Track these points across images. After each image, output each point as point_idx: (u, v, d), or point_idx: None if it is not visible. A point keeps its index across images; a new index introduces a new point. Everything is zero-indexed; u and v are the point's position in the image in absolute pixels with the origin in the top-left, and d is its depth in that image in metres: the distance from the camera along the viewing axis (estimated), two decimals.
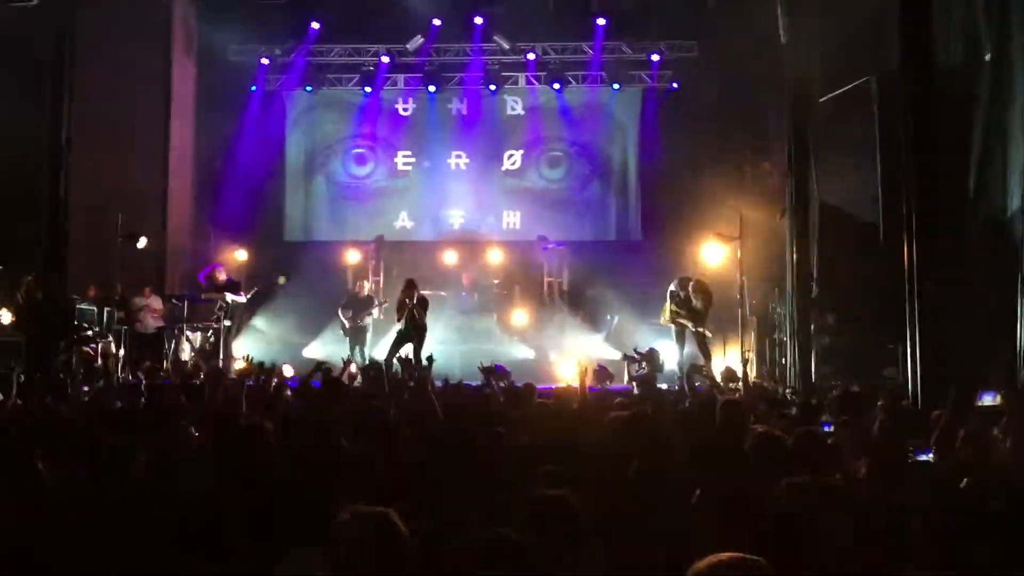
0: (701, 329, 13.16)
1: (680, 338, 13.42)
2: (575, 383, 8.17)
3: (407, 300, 13.29)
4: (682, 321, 13.28)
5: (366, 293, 15.17)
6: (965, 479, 4.47)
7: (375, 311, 14.94)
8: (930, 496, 4.37)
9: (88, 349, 12.95)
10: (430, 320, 14.69)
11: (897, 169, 10.56)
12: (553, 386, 10.78)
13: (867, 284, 11.87)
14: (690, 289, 13.22)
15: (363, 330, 14.86)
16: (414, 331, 13.25)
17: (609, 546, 3.33)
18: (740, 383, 10.19)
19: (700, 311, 13.22)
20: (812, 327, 12.05)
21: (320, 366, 8.23)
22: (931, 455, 5.45)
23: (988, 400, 7.81)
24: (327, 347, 15.08)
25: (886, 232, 11.83)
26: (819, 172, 12.65)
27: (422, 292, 13.58)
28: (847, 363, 11.66)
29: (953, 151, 10.73)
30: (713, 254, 14.42)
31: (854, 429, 6.18)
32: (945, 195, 10.43)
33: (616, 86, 17.26)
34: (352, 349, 14.36)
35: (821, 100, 12.78)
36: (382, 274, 16.33)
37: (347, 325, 14.77)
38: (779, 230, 13.20)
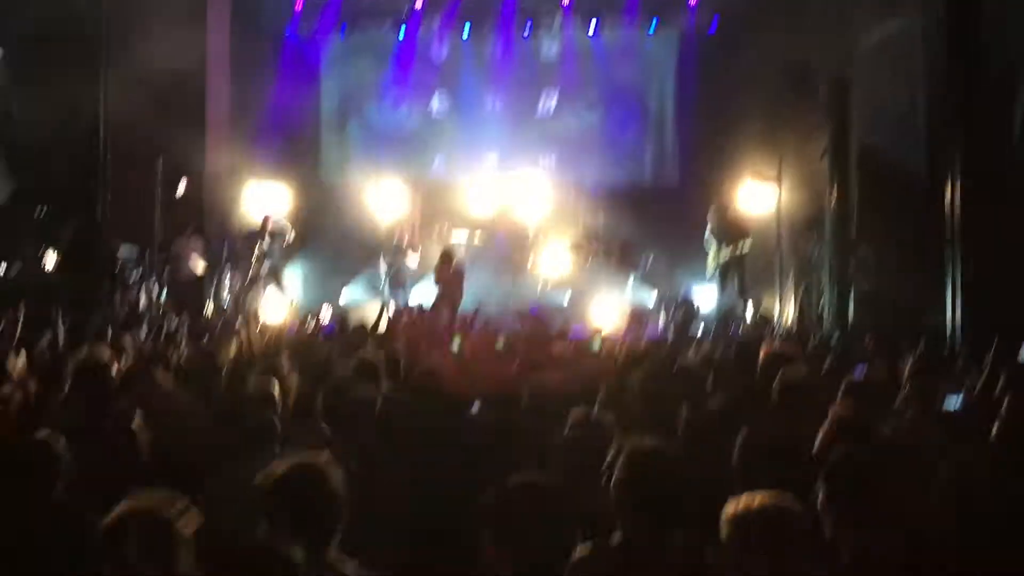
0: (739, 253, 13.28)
1: (722, 283, 13.43)
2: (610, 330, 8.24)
3: (446, 272, 13.42)
4: (723, 260, 13.34)
5: (404, 240, 15.11)
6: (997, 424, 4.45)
7: (411, 257, 14.85)
8: (955, 441, 4.36)
9: (132, 294, 13.19)
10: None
11: (944, 110, 10.37)
12: (587, 330, 10.84)
13: (909, 227, 11.72)
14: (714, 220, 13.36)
15: (401, 276, 14.80)
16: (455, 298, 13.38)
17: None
18: (774, 328, 10.17)
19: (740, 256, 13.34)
20: (851, 271, 11.96)
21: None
22: (959, 401, 5.40)
23: None
24: (364, 290, 15.27)
25: (931, 174, 11.64)
26: (861, 113, 12.43)
27: (455, 250, 13.63)
28: (886, 308, 11.55)
29: (1000, 91, 10.50)
30: (751, 196, 14.32)
31: (890, 374, 6.18)
32: (992, 136, 10.26)
33: (654, 22, 16.98)
34: (394, 295, 14.38)
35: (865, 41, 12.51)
36: (419, 218, 16.36)
37: (385, 270, 14.74)
38: (819, 173, 13.02)
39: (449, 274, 13.45)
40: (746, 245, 13.69)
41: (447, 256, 13.75)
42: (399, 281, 14.85)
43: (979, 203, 9.91)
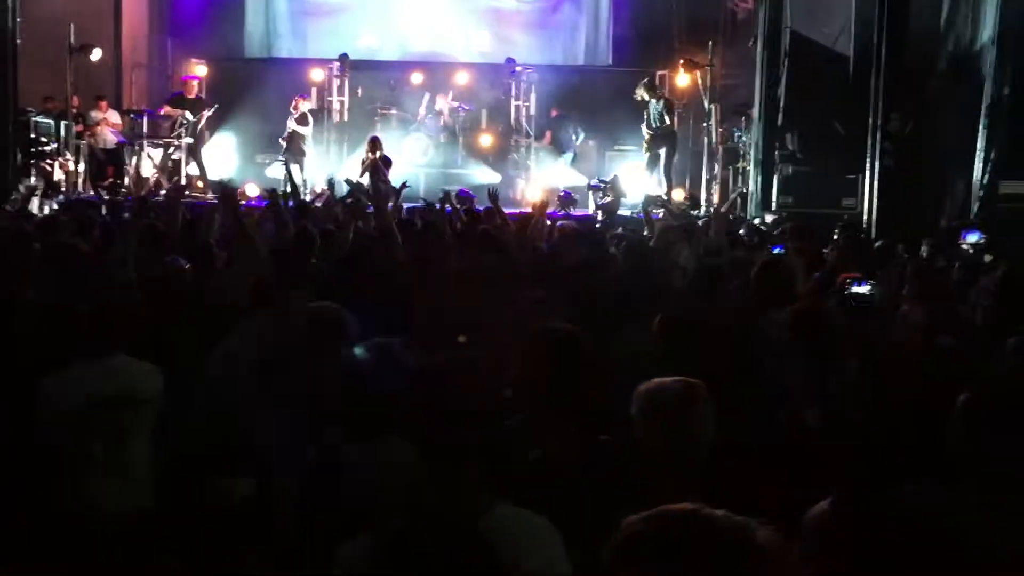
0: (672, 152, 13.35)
1: (652, 165, 13.47)
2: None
3: (369, 156, 13.15)
4: (656, 148, 13.36)
5: (301, 111, 14.32)
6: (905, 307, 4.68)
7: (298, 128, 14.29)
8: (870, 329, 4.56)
9: (46, 164, 12.76)
10: (395, 142, 14.60)
11: (871, 1, 10.44)
12: (517, 211, 10.87)
13: (834, 115, 11.91)
14: (662, 105, 13.27)
15: (301, 150, 14.24)
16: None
17: None
18: (698, 210, 10.32)
19: (672, 131, 13.37)
20: (776, 156, 12.17)
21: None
22: (867, 287, 5.61)
23: (972, 239, 7.87)
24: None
25: (855, 63, 11.78)
26: (793, 1, 12.44)
27: (382, 151, 13.35)
28: (808, 193, 11.84)
29: None
30: (682, 80, 14.34)
31: (805, 257, 6.38)
32: (916, 28, 10.39)
33: None
34: (289, 168, 13.94)
35: None
36: (347, 95, 15.97)
37: (282, 144, 14.19)
38: (750, 58, 13.07)
39: (377, 159, 13.22)
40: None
41: (375, 142, 13.47)
42: (295, 150, 14.27)
43: (901, 93, 10.10)
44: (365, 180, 12.82)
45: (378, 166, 13.08)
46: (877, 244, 7.04)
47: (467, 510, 2.26)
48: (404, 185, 8.48)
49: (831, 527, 1.78)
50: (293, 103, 14.23)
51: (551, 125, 15.44)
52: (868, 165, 10.20)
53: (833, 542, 1.77)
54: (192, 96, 14.21)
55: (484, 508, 2.28)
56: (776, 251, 6.75)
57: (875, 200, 10.06)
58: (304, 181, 13.66)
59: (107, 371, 3.64)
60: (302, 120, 14.24)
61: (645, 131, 13.51)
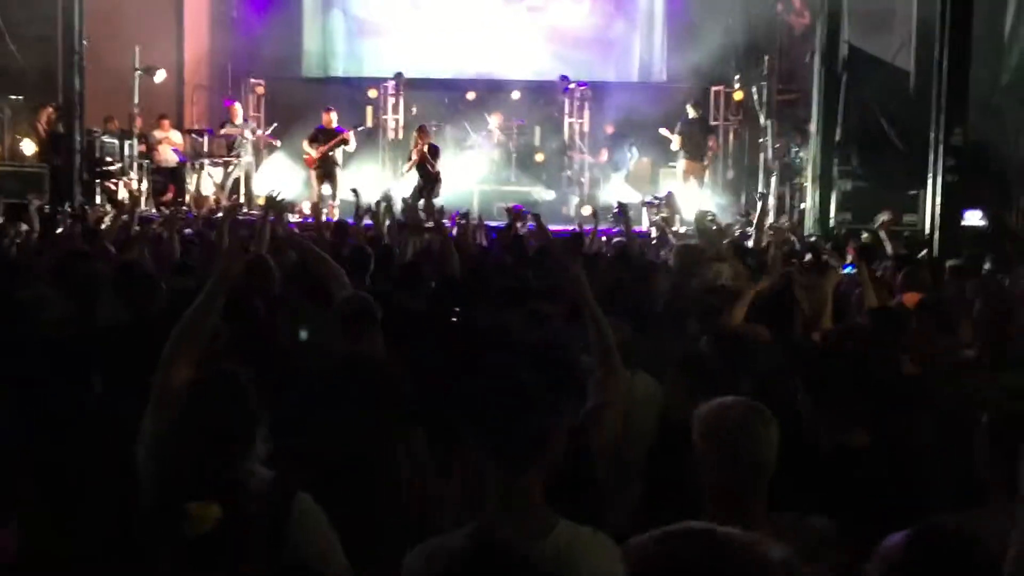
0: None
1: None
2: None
3: (417, 145, 13.24)
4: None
5: (334, 124, 14.14)
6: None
7: (351, 139, 14.16)
8: None
9: (111, 183, 13.09)
10: (450, 159, 14.69)
11: (932, 14, 10.26)
12: (570, 228, 10.85)
13: (894, 130, 11.71)
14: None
15: (332, 163, 14.06)
16: (427, 182, 13.25)
17: None
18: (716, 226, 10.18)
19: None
20: (835, 172, 11.99)
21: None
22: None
23: None
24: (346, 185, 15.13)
25: (916, 77, 11.58)
26: (852, 14, 12.27)
27: (431, 140, 13.43)
28: (868, 209, 11.62)
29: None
30: (737, 95, 14.27)
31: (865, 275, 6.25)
32: (979, 39, 10.19)
33: None
34: (320, 184, 13.85)
35: None
36: (402, 112, 16.14)
37: (314, 156, 13.96)
38: (807, 73, 12.93)
39: (424, 150, 13.24)
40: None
41: (422, 131, 13.50)
42: (330, 171, 14.16)
43: (964, 107, 9.90)
44: (412, 177, 12.96)
45: (425, 156, 13.19)
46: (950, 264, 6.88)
47: (531, 528, 2.23)
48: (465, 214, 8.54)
49: (909, 560, 1.73)
50: (325, 119, 14.17)
51: (607, 142, 15.41)
52: (930, 180, 10.00)
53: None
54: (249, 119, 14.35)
55: (548, 526, 2.25)
56: (847, 270, 6.66)
57: (938, 216, 9.86)
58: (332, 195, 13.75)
59: None
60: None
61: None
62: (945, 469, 3.04)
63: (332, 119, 14.00)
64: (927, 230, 10.02)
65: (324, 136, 13.87)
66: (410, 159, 13.55)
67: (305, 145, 13.97)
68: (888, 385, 3.51)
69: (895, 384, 3.68)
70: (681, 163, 14.07)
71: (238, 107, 14.53)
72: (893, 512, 2.15)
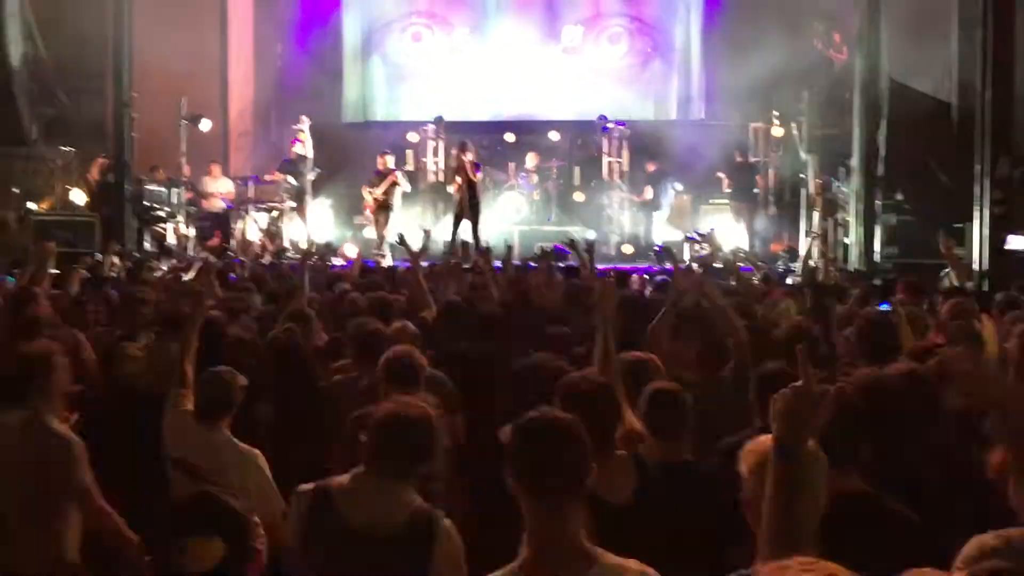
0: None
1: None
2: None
3: (458, 160, 13.37)
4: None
5: (390, 166, 14.34)
6: None
7: (400, 181, 14.29)
8: None
9: (160, 228, 13.36)
10: (490, 200, 14.80)
11: (972, 45, 10.20)
12: (611, 267, 10.85)
13: (937, 163, 11.59)
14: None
15: (387, 206, 14.17)
16: (470, 208, 13.29)
17: None
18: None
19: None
20: (878, 206, 11.87)
21: None
22: None
23: None
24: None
25: (959, 110, 11.48)
26: (891, 47, 12.22)
27: (471, 155, 13.52)
28: (914, 243, 11.47)
29: None
30: (777, 131, 14.27)
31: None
32: (1021, 69, 10.10)
33: None
34: (381, 227, 13.97)
35: None
36: (442, 155, 16.30)
37: (369, 202, 14.12)
38: (846, 108, 12.86)
39: (465, 165, 13.34)
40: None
41: (462, 146, 13.62)
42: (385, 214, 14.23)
43: (1008, 138, 9.79)
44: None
45: (464, 168, 13.27)
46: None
47: (570, 565, 2.24)
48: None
49: None
50: (380, 162, 14.39)
51: (648, 180, 15.40)
52: (977, 213, 9.88)
53: None
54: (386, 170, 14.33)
55: (587, 562, 2.26)
56: (883, 307, 6.55)
57: (986, 249, 9.72)
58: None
59: None
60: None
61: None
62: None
63: (387, 162, 14.27)
64: (975, 263, 9.87)
65: (379, 179, 14.12)
66: (450, 169, 13.68)
67: (364, 191, 14.20)
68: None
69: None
70: (733, 203, 14.62)
71: (298, 146, 14.64)
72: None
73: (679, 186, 15.36)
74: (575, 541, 2.29)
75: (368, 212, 14.25)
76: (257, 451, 3.81)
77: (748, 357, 4.38)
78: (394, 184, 14.14)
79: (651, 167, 15.43)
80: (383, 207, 14.07)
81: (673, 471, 3.37)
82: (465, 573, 2.89)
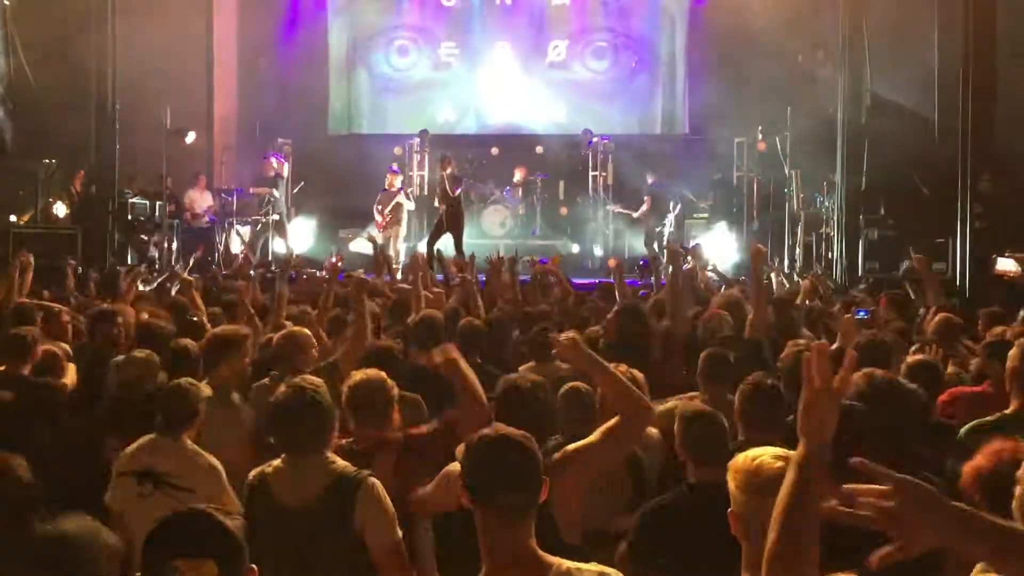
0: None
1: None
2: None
3: (441, 174, 13.41)
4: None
5: (396, 186, 14.48)
6: None
7: (405, 202, 14.44)
8: None
9: (142, 240, 13.26)
10: (474, 214, 14.80)
11: (955, 62, 10.29)
12: (596, 281, 10.88)
13: (919, 178, 11.68)
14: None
15: (395, 223, 14.27)
16: (451, 220, 13.29)
17: None
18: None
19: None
20: (861, 221, 11.94)
21: None
22: None
23: None
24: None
25: (940, 126, 11.57)
26: (872, 63, 12.33)
27: (452, 168, 13.58)
28: (896, 258, 11.55)
29: (1015, 43, 10.39)
30: (760, 146, 14.34)
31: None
32: (1002, 83, 10.20)
33: None
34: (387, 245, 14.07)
35: None
36: (427, 169, 16.29)
37: (379, 220, 14.24)
38: (830, 122, 12.95)
39: (445, 177, 13.45)
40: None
41: (444, 161, 13.69)
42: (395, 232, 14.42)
43: (990, 155, 9.88)
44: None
45: (445, 183, 13.32)
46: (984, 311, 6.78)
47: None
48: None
49: None
50: (388, 181, 14.49)
51: (649, 191, 15.32)
52: (959, 228, 9.95)
53: None
54: (275, 174, 14.52)
55: (542, 570, 2.32)
56: (861, 315, 6.58)
57: (968, 264, 9.79)
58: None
59: None
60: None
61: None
62: None
63: (394, 182, 14.43)
64: (956, 278, 9.94)
65: (386, 197, 14.24)
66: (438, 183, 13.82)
67: (374, 210, 14.33)
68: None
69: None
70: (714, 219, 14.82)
71: (272, 162, 14.76)
72: None
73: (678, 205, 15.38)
74: (528, 549, 2.37)
75: (378, 230, 14.28)
76: (218, 462, 3.86)
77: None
78: (399, 203, 14.21)
79: (651, 179, 15.38)
80: (392, 223, 14.25)
81: None
82: (394, 527, 3.10)
